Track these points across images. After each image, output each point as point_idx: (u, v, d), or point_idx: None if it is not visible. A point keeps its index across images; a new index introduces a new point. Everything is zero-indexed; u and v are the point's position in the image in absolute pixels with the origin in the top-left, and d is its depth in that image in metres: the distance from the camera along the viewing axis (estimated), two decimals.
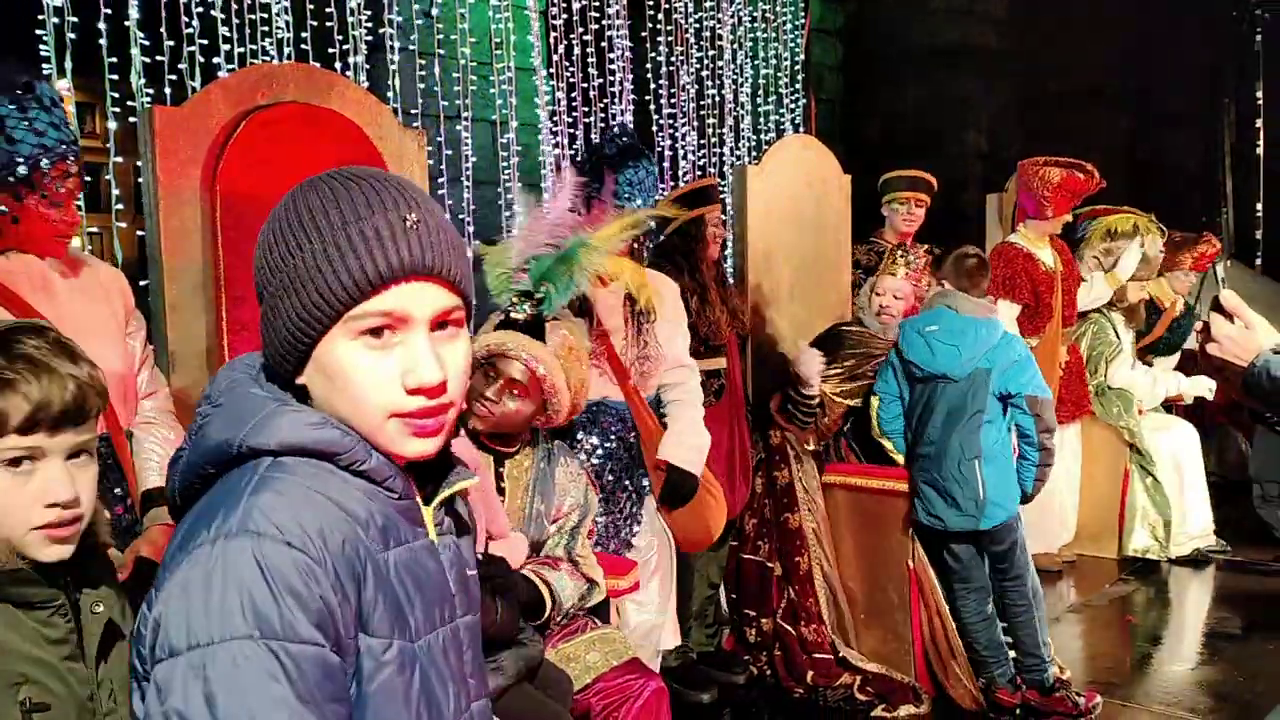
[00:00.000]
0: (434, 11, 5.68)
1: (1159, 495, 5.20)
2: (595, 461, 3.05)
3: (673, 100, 6.64)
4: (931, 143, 8.78)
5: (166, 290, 2.57)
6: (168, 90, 4.56)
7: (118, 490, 2.23)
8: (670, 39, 6.64)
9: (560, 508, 2.53)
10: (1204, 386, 5.30)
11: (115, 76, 4.60)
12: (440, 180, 5.68)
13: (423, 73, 5.69)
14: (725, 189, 4.68)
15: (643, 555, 3.15)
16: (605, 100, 6.28)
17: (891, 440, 3.74)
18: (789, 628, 3.82)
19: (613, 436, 3.08)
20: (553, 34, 6.10)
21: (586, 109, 6.23)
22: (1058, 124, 9.37)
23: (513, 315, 2.38)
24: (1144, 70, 9.42)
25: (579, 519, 2.56)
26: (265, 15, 4.99)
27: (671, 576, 3.27)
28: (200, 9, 4.73)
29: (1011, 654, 3.65)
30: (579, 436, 3.06)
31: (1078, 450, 5.21)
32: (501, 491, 2.44)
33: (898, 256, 3.95)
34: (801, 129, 7.54)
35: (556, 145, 6.01)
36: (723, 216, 3.94)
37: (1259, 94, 7.83)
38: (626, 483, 3.10)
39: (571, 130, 6.15)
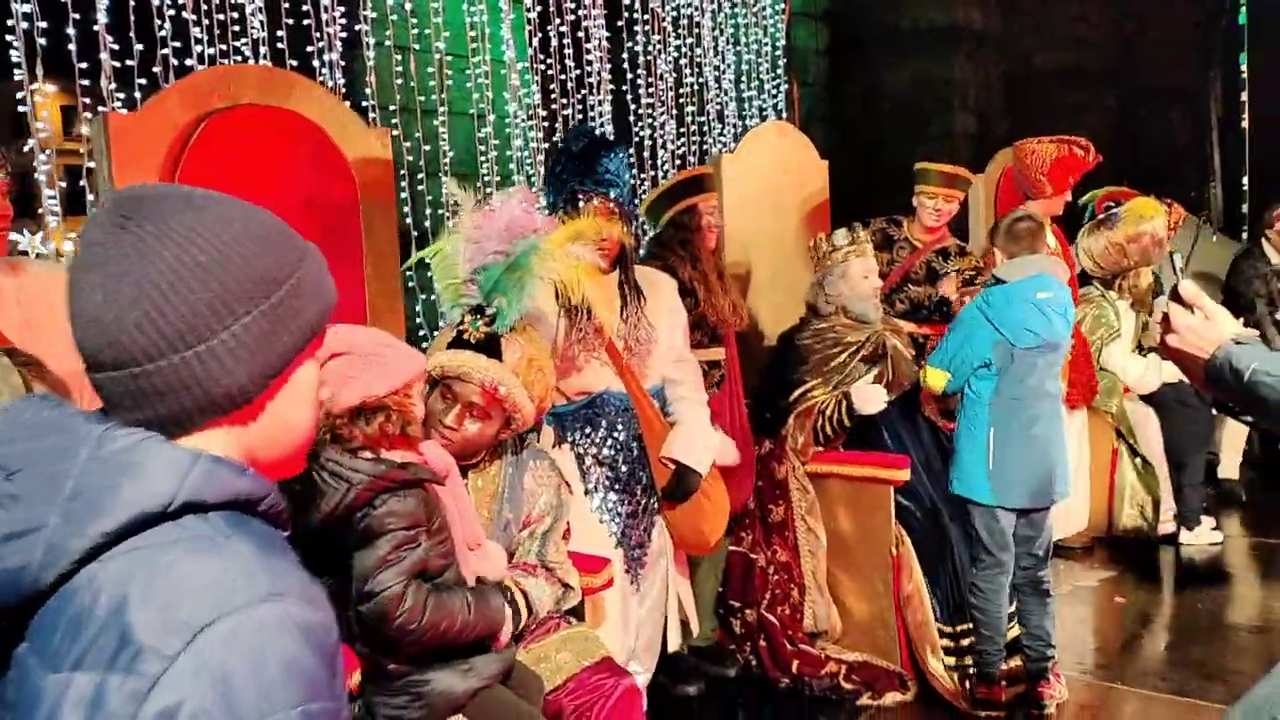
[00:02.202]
0: (408, 6, 5.64)
1: (1149, 475, 5.17)
2: (607, 453, 3.01)
3: (651, 90, 6.60)
4: (918, 125, 8.76)
5: None
6: (138, 94, 4.53)
7: None
8: (648, 28, 6.60)
9: (530, 514, 2.50)
10: None
11: (86, 82, 4.58)
12: (420, 175, 5.67)
13: (399, 68, 5.67)
14: None
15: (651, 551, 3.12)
16: (583, 91, 6.24)
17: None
18: (773, 618, 3.80)
19: (620, 427, 3.03)
20: (527, 26, 6.06)
21: (564, 100, 6.20)
22: (1045, 102, 9.34)
23: (465, 336, 2.31)
24: (1130, 45, 9.39)
25: (551, 522, 2.53)
26: (237, 15, 4.95)
27: (671, 575, 3.23)
28: (171, 11, 4.69)
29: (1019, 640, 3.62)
30: (586, 430, 3.02)
31: (1085, 436, 5.12)
32: None
33: (860, 235, 3.92)
34: (784, 114, 7.50)
35: (532, 139, 5.97)
36: (714, 204, 3.87)
37: (1243, 67, 7.78)
38: (641, 474, 3.07)
39: (547, 123, 6.12)
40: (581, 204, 2.87)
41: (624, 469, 3.00)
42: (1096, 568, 4.98)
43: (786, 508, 3.83)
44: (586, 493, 2.94)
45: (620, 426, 3.01)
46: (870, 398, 3.68)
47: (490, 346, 2.31)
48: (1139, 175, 6.90)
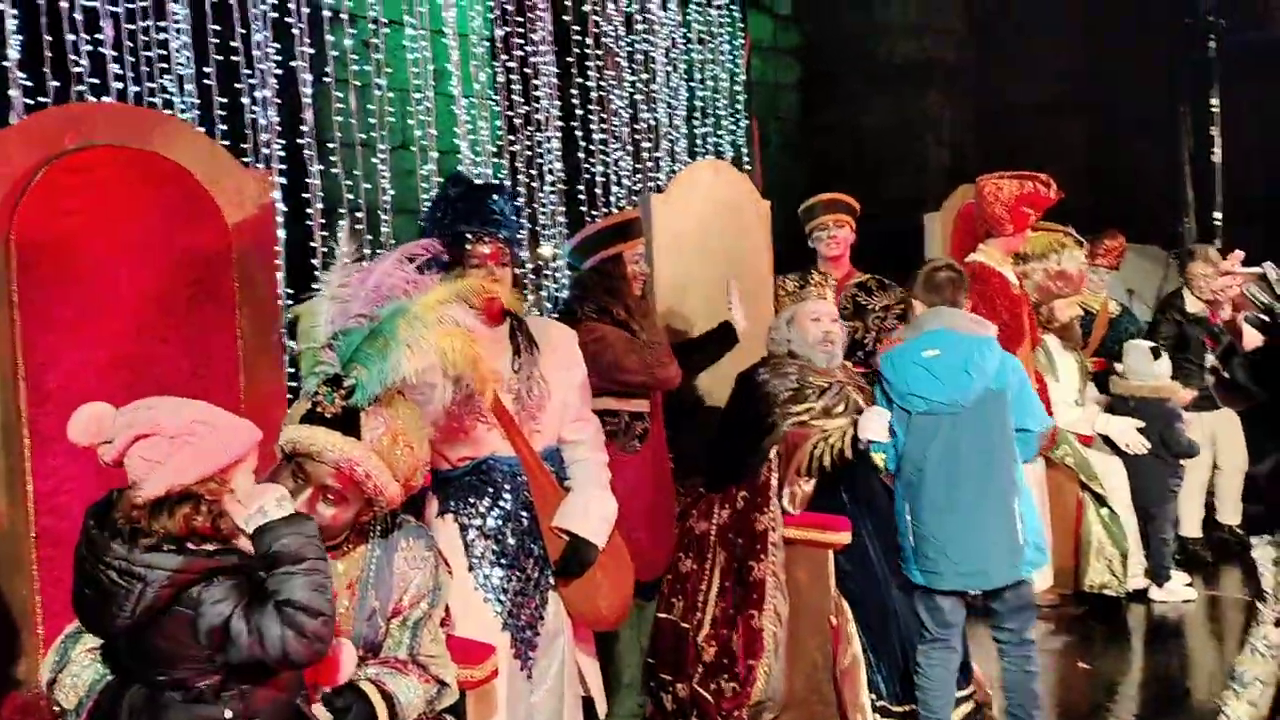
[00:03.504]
0: (348, 42, 5.44)
1: (1115, 526, 4.92)
2: (493, 524, 2.74)
3: (604, 126, 6.40)
4: (892, 159, 8.61)
5: None
6: None
7: None
8: (600, 63, 6.41)
9: (400, 601, 2.23)
10: (1129, 435, 4.93)
11: None
12: (359, 214, 5.45)
13: (339, 105, 5.46)
14: None
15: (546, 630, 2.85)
16: (530, 128, 6.04)
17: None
18: (706, 694, 3.53)
19: (507, 495, 2.76)
20: (472, 61, 5.88)
21: (512, 137, 6.00)
22: (1020, 136, 9.20)
23: (318, 410, 2.04)
24: (1105, 79, 9.28)
25: (427, 608, 2.26)
26: (163, 52, 4.73)
27: (569, 653, 2.94)
28: (89, 46, 4.47)
29: None
30: (470, 499, 2.75)
31: (1044, 484, 4.85)
32: None
33: (817, 279, 3.72)
34: (744, 151, 7.32)
35: (480, 175, 5.76)
36: (641, 250, 3.68)
37: (1214, 101, 7.65)
38: (532, 546, 2.79)
39: (496, 159, 5.93)
40: (469, 248, 2.64)
41: (511, 541, 2.73)
42: (1062, 629, 4.73)
43: (764, 565, 3.53)
44: (470, 568, 2.68)
45: (507, 494, 2.75)
46: (874, 422, 3.32)
47: (348, 421, 2.06)
48: (1114, 210, 6.76)
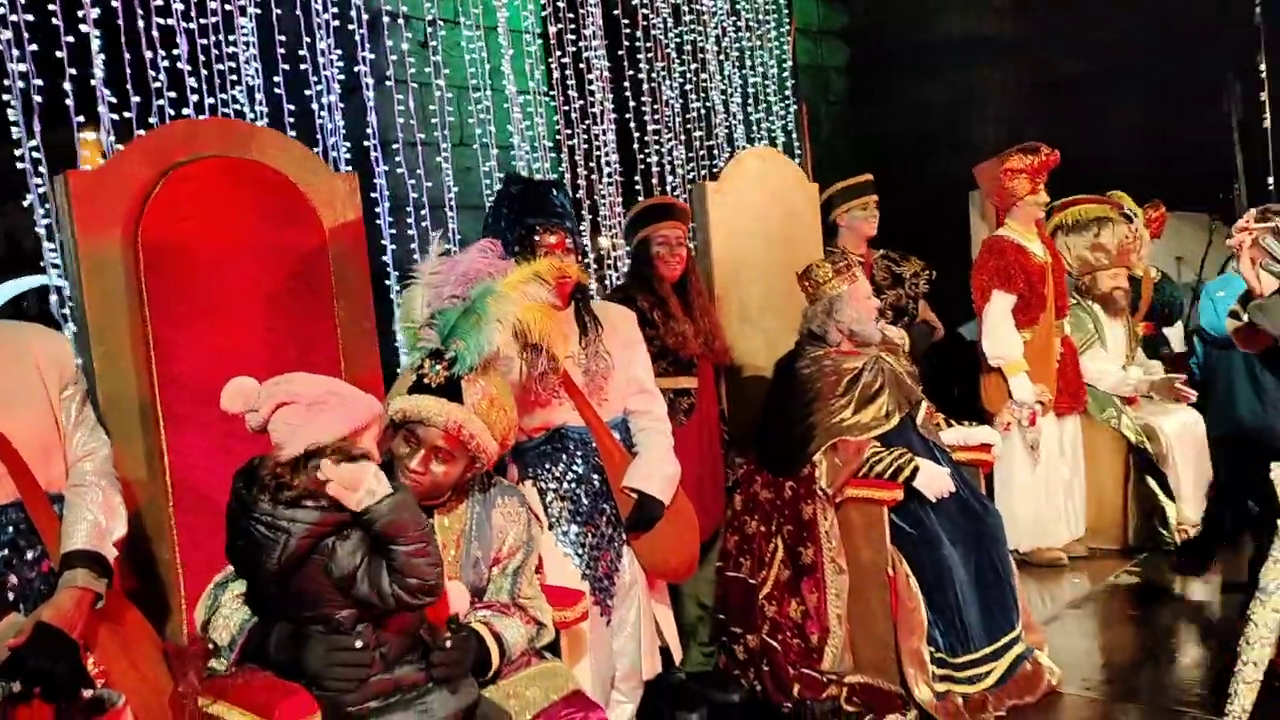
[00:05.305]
0: (404, 46, 5.70)
1: (1161, 485, 5.11)
2: (568, 487, 3.03)
3: (656, 117, 6.62)
4: (946, 136, 8.69)
5: (94, 352, 2.59)
6: None
7: (30, 555, 2.23)
8: (650, 55, 6.63)
9: (500, 551, 2.50)
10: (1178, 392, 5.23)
11: (91, 135, 4.67)
12: (423, 211, 5.73)
13: (400, 107, 5.73)
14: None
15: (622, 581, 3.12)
16: (586, 121, 6.27)
17: None
18: (774, 644, 3.76)
19: (579, 460, 3.06)
20: (528, 60, 6.12)
21: (569, 131, 6.24)
22: (1075, 108, 9.23)
23: (425, 381, 2.31)
24: (1159, 48, 9.26)
25: (523, 558, 2.53)
26: (234, 65, 5.03)
27: (644, 603, 3.22)
28: (166, 63, 4.78)
29: None
30: (546, 466, 3.04)
31: (1079, 444, 5.14)
32: None
33: (851, 257, 3.96)
34: (794, 135, 7.49)
35: (538, 170, 6.02)
36: (675, 233, 3.79)
37: (1261, 66, 7.67)
38: (605, 506, 3.08)
39: (554, 154, 6.17)
40: (538, 239, 2.90)
41: (585, 501, 3.02)
42: (1111, 580, 4.87)
43: (816, 550, 3.74)
44: (551, 526, 2.96)
45: (580, 459, 3.04)
46: (935, 480, 3.63)
47: (451, 389, 2.32)
48: (1167, 179, 6.85)
